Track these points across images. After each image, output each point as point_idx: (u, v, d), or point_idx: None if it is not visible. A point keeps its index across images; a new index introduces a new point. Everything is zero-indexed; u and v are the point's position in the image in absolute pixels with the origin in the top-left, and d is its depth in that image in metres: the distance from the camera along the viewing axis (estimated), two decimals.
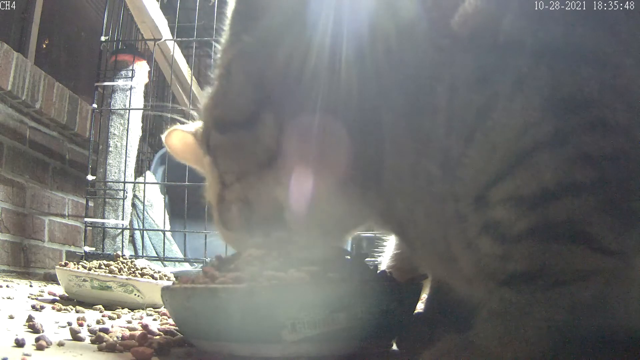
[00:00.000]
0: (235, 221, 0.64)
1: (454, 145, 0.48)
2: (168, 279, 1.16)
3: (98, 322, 0.82)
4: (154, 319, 0.96)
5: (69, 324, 0.77)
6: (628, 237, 0.45)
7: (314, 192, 0.58)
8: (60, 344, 0.61)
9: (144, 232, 2.08)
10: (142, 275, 1.15)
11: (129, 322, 0.88)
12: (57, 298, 1.18)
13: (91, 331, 0.69)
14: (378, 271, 0.67)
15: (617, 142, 0.44)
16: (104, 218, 1.98)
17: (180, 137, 0.82)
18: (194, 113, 0.85)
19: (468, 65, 0.48)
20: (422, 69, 0.51)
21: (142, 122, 2.16)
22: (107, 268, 1.16)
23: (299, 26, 0.56)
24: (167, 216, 2.20)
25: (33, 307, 0.96)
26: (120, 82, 2.05)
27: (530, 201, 0.45)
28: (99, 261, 1.22)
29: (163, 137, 0.84)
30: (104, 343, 0.61)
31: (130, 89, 2.05)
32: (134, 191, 2.12)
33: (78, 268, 1.16)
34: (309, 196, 0.58)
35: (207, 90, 0.69)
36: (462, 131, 0.48)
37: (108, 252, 1.89)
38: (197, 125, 0.80)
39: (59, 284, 1.21)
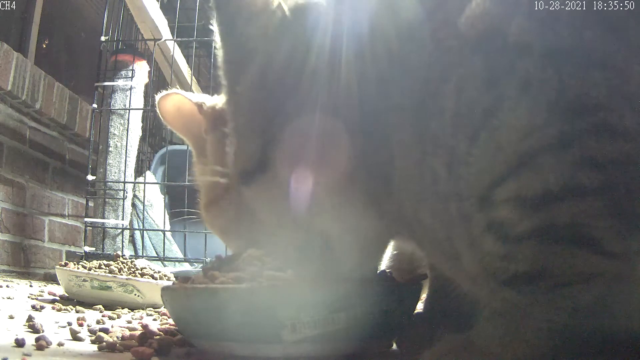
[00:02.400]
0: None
1: (459, 145, 0.48)
2: (168, 279, 1.16)
3: (98, 322, 0.82)
4: (154, 319, 0.96)
5: (69, 324, 0.77)
6: (632, 240, 0.45)
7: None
8: (60, 344, 0.61)
9: (144, 232, 2.08)
10: (142, 275, 1.15)
11: (129, 322, 0.88)
12: (57, 298, 1.18)
13: (91, 331, 0.69)
14: (378, 271, 0.67)
15: (624, 147, 0.43)
16: (104, 218, 1.98)
17: (178, 102, 0.76)
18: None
19: (477, 67, 0.47)
20: (428, 70, 0.50)
21: (142, 122, 2.16)
22: (107, 268, 1.16)
23: (299, 50, 0.55)
24: (167, 216, 2.20)
25: (33, 307, 0.96)
26: (120, 82, 2.05)
27: (534, 202, 0.45)
28: (99, 261, 1.23)
29: (157, 97, 0.77)
30: (104, 343, 0.61)
31: (130, 89, 2.05)
32: (134, 191, 2.12)
33: (78, 268, 1.16)
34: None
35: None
36: (468, 130, 0.48)
37: (108, 252, 1.89)
38: (202, 97, 0.76)
39: (59, 284, 1.21)
